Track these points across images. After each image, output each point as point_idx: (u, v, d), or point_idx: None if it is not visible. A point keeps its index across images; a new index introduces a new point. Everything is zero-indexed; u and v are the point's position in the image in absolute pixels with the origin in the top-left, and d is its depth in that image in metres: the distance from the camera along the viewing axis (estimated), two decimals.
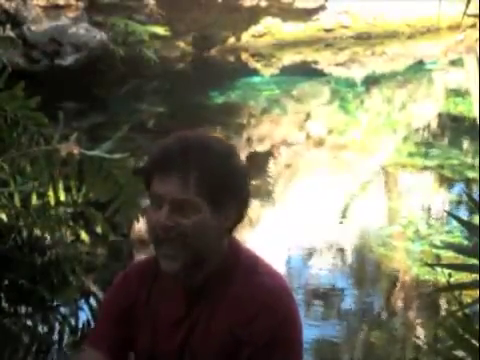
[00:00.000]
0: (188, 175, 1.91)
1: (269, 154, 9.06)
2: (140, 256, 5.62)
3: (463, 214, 6.78)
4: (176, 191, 1.92)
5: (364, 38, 15.16)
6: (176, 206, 1.92)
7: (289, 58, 14.20)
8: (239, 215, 2.01)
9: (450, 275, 3.15)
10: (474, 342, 1.99)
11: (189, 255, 1.93)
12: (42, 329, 4.13)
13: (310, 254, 6.27)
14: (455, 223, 6.21)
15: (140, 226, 6.06)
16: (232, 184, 1.97)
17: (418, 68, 13.85)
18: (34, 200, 3.92)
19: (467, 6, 3.56)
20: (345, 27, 15.08)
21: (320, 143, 9.60)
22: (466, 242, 6.03)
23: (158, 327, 2.04)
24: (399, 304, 5.54)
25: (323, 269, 6.00)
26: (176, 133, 2.01)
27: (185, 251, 1.93)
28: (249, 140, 9.71)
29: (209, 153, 1.94)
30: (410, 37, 15.34)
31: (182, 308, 2.01)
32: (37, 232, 3.99)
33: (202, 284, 1.99)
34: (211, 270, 1.99)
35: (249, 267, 2.00)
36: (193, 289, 2.00)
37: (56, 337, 4.16)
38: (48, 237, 3.97)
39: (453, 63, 14.07)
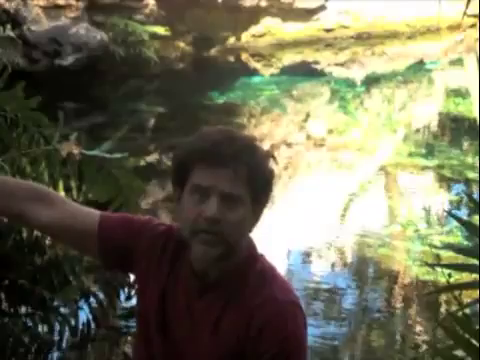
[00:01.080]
0: (239, 169, 1.91)
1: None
2: None
3: (463, 214, 6.78)
4: (227, 184, 1.91)
5: (364, 38, 15.17)
6: (225, 199, 1.92)
7: (289, 58, 14.20)
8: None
9: (450, 275, 3.15)
10: (474, 342, 1.99)
11: (227, 246, 1.94)
12: (42, 329, 4.13)
13: (310, 254, 6.27)
14: (455, 223, 6.21)
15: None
16: (270, 183, 2.00)
17: (418, 68, 13.85)
18: None
19: (467, 6, 3.56)
20: (345, 27, 15.08)
21: (320, 143, 9.60)
22: (466, 242, 6.04)
23: (172, 304, 2.03)
24: (399, 304, 5.54)
25: (323, 269, 6.00)
26: (212, 128, 2.01)
27: (224, 241, 1.93)
28: None
29: (256, 151, 1.97)
30: (410, 37, 15.34)
31: (193, 297, 2.01)
32: (37, 232, 3.98)
33: (213, 281, 1.99)
34: (228, 267, 1.98)
35: (263, 277, 2.00)
36: (206, 283, 2.00)
37: (56, 337, 4.16)
38: (48, 237, 3.97)
39: (453, 63, 14.07)
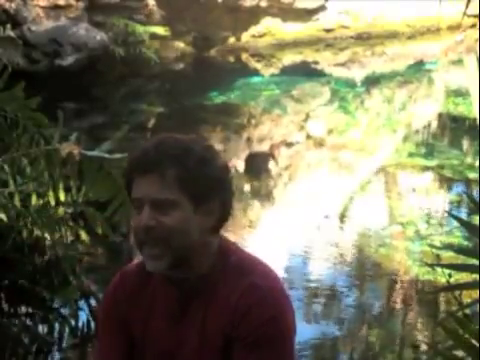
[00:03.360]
0: (165, 174, 1.92)
1: (269, 154, 9.06)
2: (140, 256, 5.62)
3: (463, 214, 6.78)
4: (155, 191, 1.92)
5: (364, 38, 15.16)
6: (156, 206, 1.92)
7: (289, 58, 14.20)
8: (224, 213, 2.01)
9: (450, 275, 3.15)
10: (474, 342, 1.99)
11: (173, 253, 1.94)
12: (42, 329, 4.13)
13: (310, 254, 6.27)
14: (455, 223, 6.21)
15: None
16: (213, 181, 1.97)
17: (418, 68, 13.85)
18: (34, 200, 3.92)
19: (467, 6, 3.56)
20: (345, 27, 15.08)
21: (320, 143, 9.60)
22: (466, 242, 6.04)
23: (152, 326, 2.06)
24: (399, 304, 5.54)
25: (323, 269, 6.00)
26: (156, 136, 2.02)
27: (169, 250, 1.94)
28: (249, 140, 9.71)
29: (186, 151, 1.95)
30: (410, 37, 15.34)
31: (176, 308, 2.03)
32: (37, 232, 3.98)
33: (195, 285, 2.01)
34: (203, 271, 2.00)
35: (240, 268, 2.01)
36: (186, 290, 2.02)
37: (56, 337, 4.17)
38: (48, 237, 3.97)
39: (453, 63, 14.07)
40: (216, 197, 1.97)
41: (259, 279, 1.99)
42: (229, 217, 2.04)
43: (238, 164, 8.55)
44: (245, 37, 14.32)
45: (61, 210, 3.97)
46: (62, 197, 3.95)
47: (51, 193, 3.90)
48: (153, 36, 12.08)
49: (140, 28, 11.94)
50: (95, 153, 3.50)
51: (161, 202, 1.92)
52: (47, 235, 3.98)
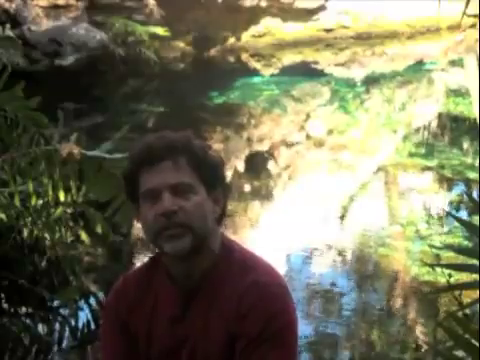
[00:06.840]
0: (178, 159, 1.96)
1: (269, 154, 9.06)
2: (140, 256, 5.63)
3: (463, 214, 6.78)
4: (171, 175, 1.96)
5: (364, 38, 15.17)
6: (175, 191, 1.96)
7: (289, 58, 14.20)
8: (225, 205, 2.06)
9: (450, 275, 3.15)
10: (474, 342, 1.99)
11: (194, 234, 1.97)
12: (42, 329, 4.13)
13: (310, 254, 6.27)
14: (455, 223, 6.21)
15: (140, 226, 6.05)
16: (216, 167, 2.03)
17: (418, 68, 13.85)
18: (34, 200, 3.93)
19: (467, 6, 3.55)
20: (345, 27, 15.09)
21: (320, 143, 9.60)
22: (466, 242, 6.04)
23: (154, 328, 2.08)
24: (399, 304, 5.54)
25: (323, 269, 6.00)
26: (152, 134, 2.06)
27: (190, 231, 1.96)
28: (249, 140, 9.71)
29: (188, 141, 2.01)
30: (410, 37, 15.34)
31: (179, 308, 2.05)
32: (37, 232, 3.99)
33: (197, 284, 2.03)
34: (207, 265, 2.02)
35: (243, 265, 2.04)
36: (188, 289, 2.04)
37: (56, 337, 4.16)
38: (48, 237, 3.97)
39: (453, 63, 14.07)
40: (219, 185, 2.03)
41: (261, 276, 2.01)
42: (226, 211, 2.08)
43: (238, 164, 8.55)
44: (245, 37, 14.32)
45: (61, 210, 3.97)
46: (62, 197, 3.95)
47: (51, 193, 3.90)
48: (153, 36, 12.09)
49: (140, 28, 11.94)
50: (95, 153, 3.51)
51: (178, 186, 1.96)
52: (47, 235, 3.98)
